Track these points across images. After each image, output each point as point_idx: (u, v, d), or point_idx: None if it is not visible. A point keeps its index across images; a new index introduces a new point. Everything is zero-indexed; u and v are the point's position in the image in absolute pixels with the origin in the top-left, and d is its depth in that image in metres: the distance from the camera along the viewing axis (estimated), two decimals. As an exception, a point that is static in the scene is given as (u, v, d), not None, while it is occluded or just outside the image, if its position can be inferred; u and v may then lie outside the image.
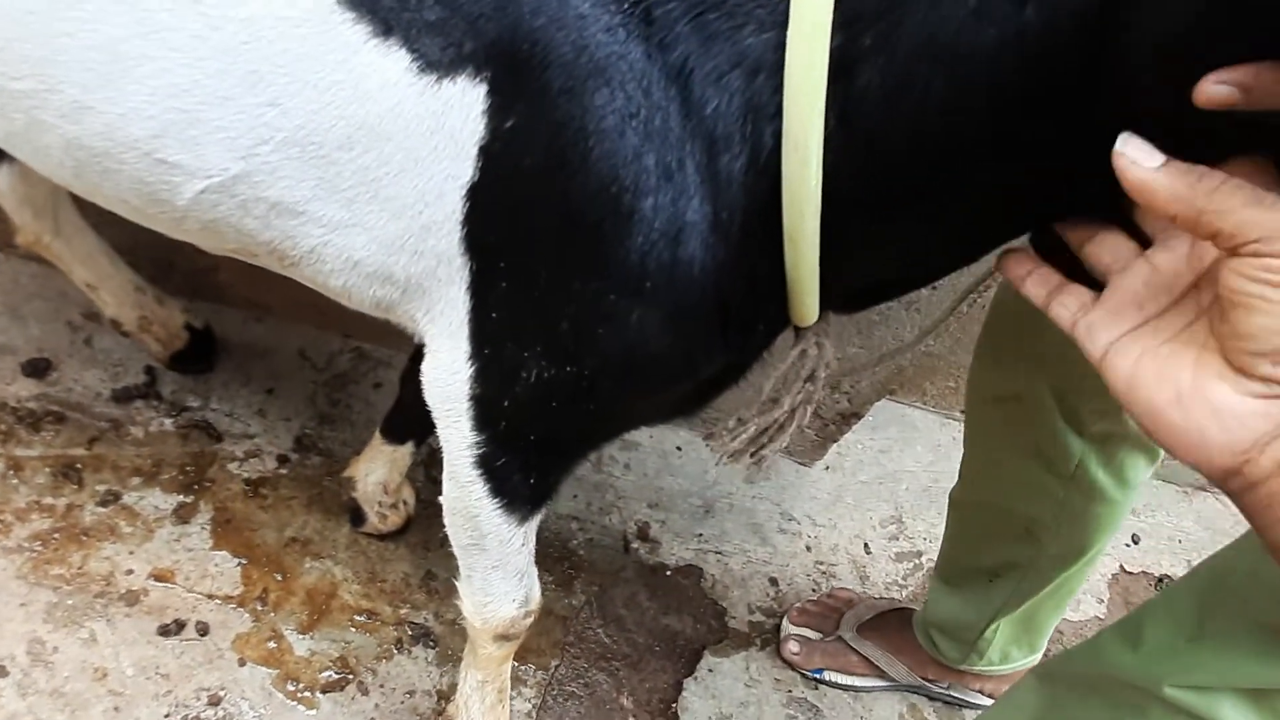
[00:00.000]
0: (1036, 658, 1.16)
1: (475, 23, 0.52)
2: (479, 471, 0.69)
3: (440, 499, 0.76)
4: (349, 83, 0.54)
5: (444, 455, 0.72)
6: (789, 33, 0.47)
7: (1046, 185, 0.48)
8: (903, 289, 0.63)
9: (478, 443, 0.68)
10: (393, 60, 0.53)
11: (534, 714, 1.11)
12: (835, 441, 1.46)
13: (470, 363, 0.64)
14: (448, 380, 0.65)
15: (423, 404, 0.70)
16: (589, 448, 0.74)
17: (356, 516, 1.18)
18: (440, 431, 0.70)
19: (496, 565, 0.78)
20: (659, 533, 1.35)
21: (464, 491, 0.71)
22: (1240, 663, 0.66)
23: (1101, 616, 1.43)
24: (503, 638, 0.86)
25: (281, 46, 0.54)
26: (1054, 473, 0.92)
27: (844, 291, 0.57)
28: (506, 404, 0.64)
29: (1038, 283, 0.51)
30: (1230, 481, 0.43)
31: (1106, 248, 0.49)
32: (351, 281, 0.64)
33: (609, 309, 0.56)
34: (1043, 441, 0.91)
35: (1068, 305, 0.49)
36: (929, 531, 1.46)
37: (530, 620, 0.86)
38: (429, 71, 0.53)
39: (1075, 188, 0.47)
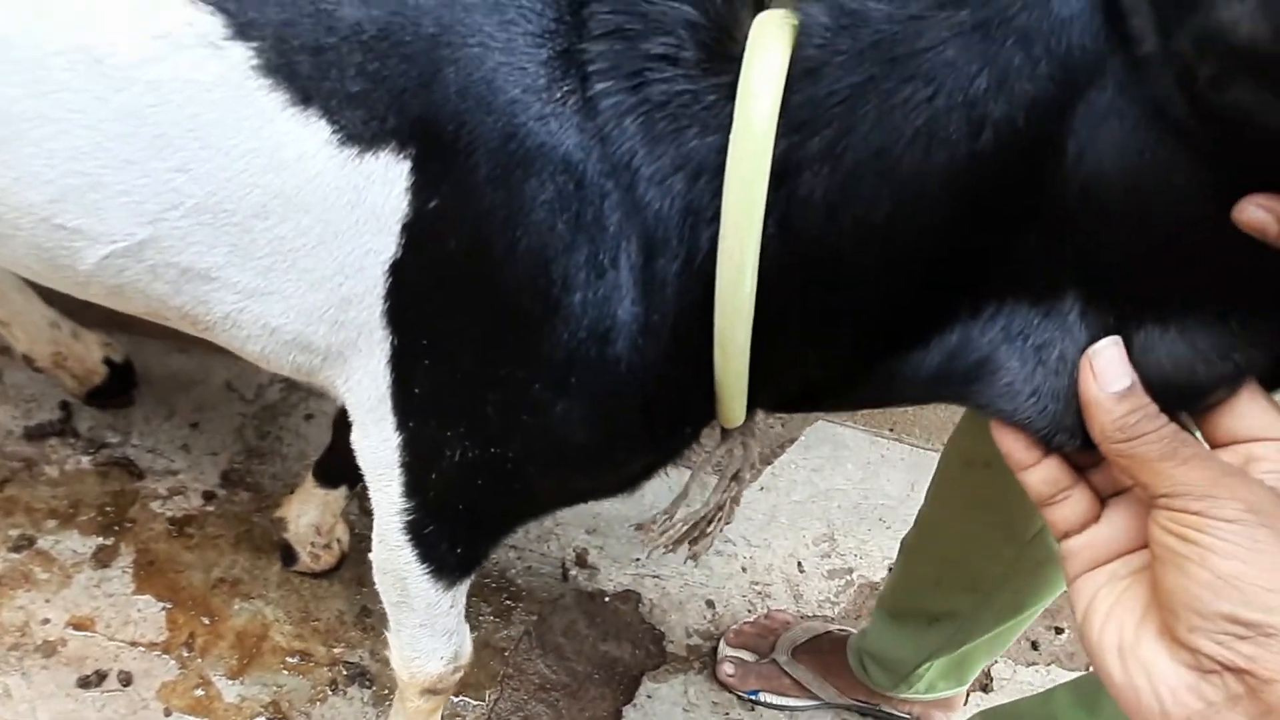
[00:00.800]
0: (963, 689, 1.20)
1: (399, 97, 0.51)
2: (407, 537, 0.69)
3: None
4: (264, 151, 0.53)
5: (375, 516, 0.71)
6: (731, 139, 0.45)
7: (991, 302, 0.46)
8: (834, 398, 0.59)
9: (406, 509, 0.67)
10: (311, 131, 0.52)
11: (473, 750, 1.11)
12: (770, 464, 1.49)
13: (398, 432, 0.63)
14: (378, 447, 0.65)
15: None
16: (517, 522, 0.74)
17: (288, 556, 1.16)
18: (371, 494, 0.70)
19: (424, 624, 0.77)
20: (597, 559, 1.35)
21: (392, 554, 0.71)
22: None
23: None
24: (430, 692, 0.85)
25: (191, 111, 0.52)
26: (1011, 538, 0.92)
27: (773, 396, 0.57)
28: (434, 476, 0.64)
29: (1044, 479, 0.45)
30: None
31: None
32: (269, 348, 0.63)
33: (533, 399, 0.55)
34: (1005, 509, 0.91)
35: (1067, 517, 0.45)
36: (859, 548, 1.50)
37: (459, 675, 0.85)
38: (350, 144, 0.52)
39: (1008, 311, 0.45)
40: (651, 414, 0.56)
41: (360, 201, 0.53)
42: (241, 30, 0.51)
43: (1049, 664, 1.45)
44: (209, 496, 1.21)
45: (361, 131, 0.52)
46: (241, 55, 0.51)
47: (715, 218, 0.47)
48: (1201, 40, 0.34)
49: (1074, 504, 0.45)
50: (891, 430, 1.64)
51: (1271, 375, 0.43)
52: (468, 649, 0.84)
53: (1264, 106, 0.34)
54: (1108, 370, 0.41)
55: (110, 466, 1.20)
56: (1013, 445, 0.46)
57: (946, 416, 1.60)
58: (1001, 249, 0.44)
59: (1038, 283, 0.44)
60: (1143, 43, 0.37)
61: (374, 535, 0.73)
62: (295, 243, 0.56)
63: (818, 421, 1.59)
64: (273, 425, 1.31)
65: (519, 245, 0.50)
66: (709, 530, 0.68)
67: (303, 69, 0.51)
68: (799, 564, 1.46)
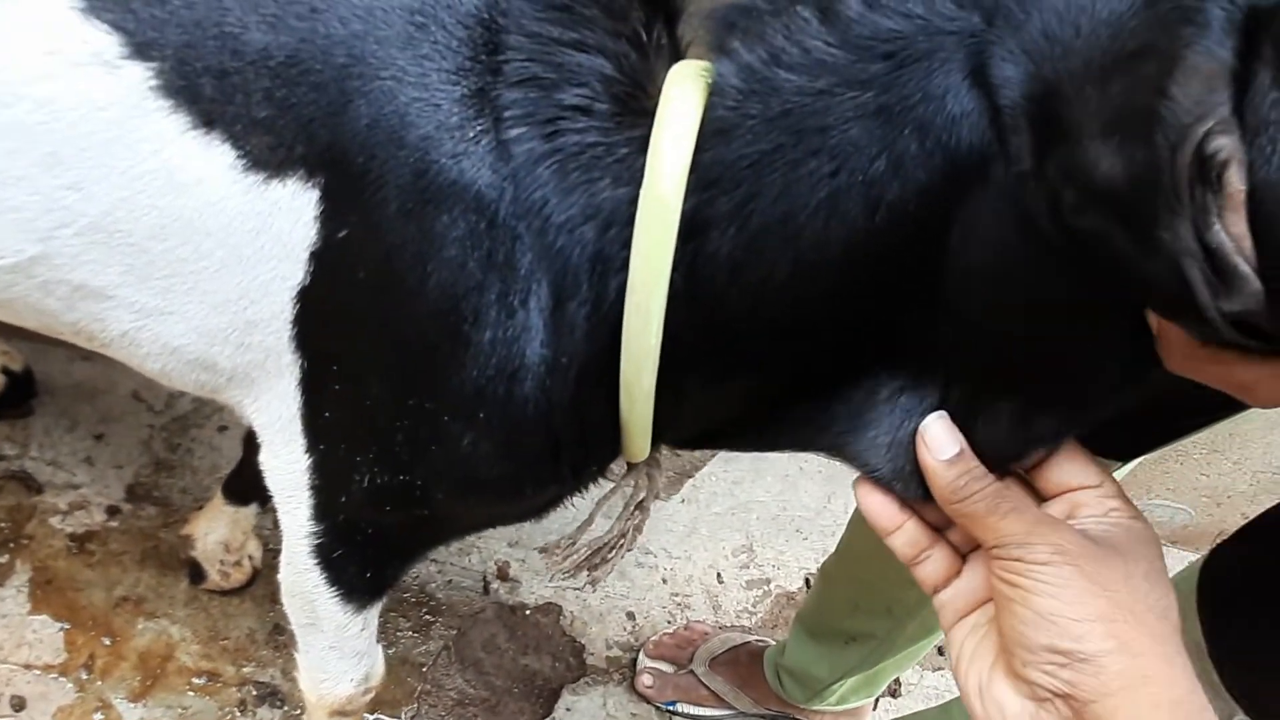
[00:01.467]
0: (871, 700, 1.25)
1: (308, 126, 0.50)
2: (316, 560, 0.68)
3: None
4: (162, 173, 0.52)
5: (284, 537, 0.71)
6: (641, 194, 0.46)
7: (875, 364, 0.49)
8: (732, 440, 0.61)
9: (315, 533, 0.67)
10: (214, 155, 0.51)
11: (388, 768, 1.10)
12: (691, 477, 1.51)
13: (307, 454, 0.62)
14: (287, 469, 0.64)
15: None
16: (427, 547, 0.74)
17: (196, 573, 1.13)
18: (280, 515, 0.69)
19: (334, 647, 0.76)
20: (519, 571, 1.35)
21: (301, 577, 0.70)
22: None
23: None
24: (340, 714, 0.84)
25: (85, 130, 0.51)
26: None
27: (676, 435, 0.58)
28: (343, 500, 0.63)
29: (906, 542, 0.50)
30: None
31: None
32: (170, 366, 0.61)
33: (441, 430, 0.55)
34: None
35: (931, 574, 0.49)
36: (777, 559, 1.54)
37: (370, 696, 0.85)
38: (256, 170, 0.51)
39: (900, 368, 0.49)
40: (558, 450, 0.57)
41: (266, 228, 0.53)
42: (140, 50, 0.50)
43: (956, 669, 1.51)
44: (113, 511, 1.17)
45: (268, 158, 0.51)
46: (139, 75, 0.50)
47: (624, 267, 0.48)
48: (1067, 170, 0.38)
49: (935, 562, 0.50)
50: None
51: (1127, 449, 0.47)
52: (379, 670, 0.84)
53: (1113, 234, 0.37)
54: (936, 441, 0.47)
55: (6, 480, 1.14)
56: (878, 512, 0.51)
57: (863, 430, 1.65)
58: (889, 321, 0.47)
59: (915, 354, 0.48)
60: (1019, 162, 0.40)
61: (282, 557, 0.72)
62: (196, 265, 0.55)
63: (739, 434, 1.62)
64: (183, 437, 1.27)
65: (429, 280, 0.50)
66: (610, 556, 0.69)
67: (205, 92, 0.50)
68: (718, 575, 1.49)
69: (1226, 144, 0.34)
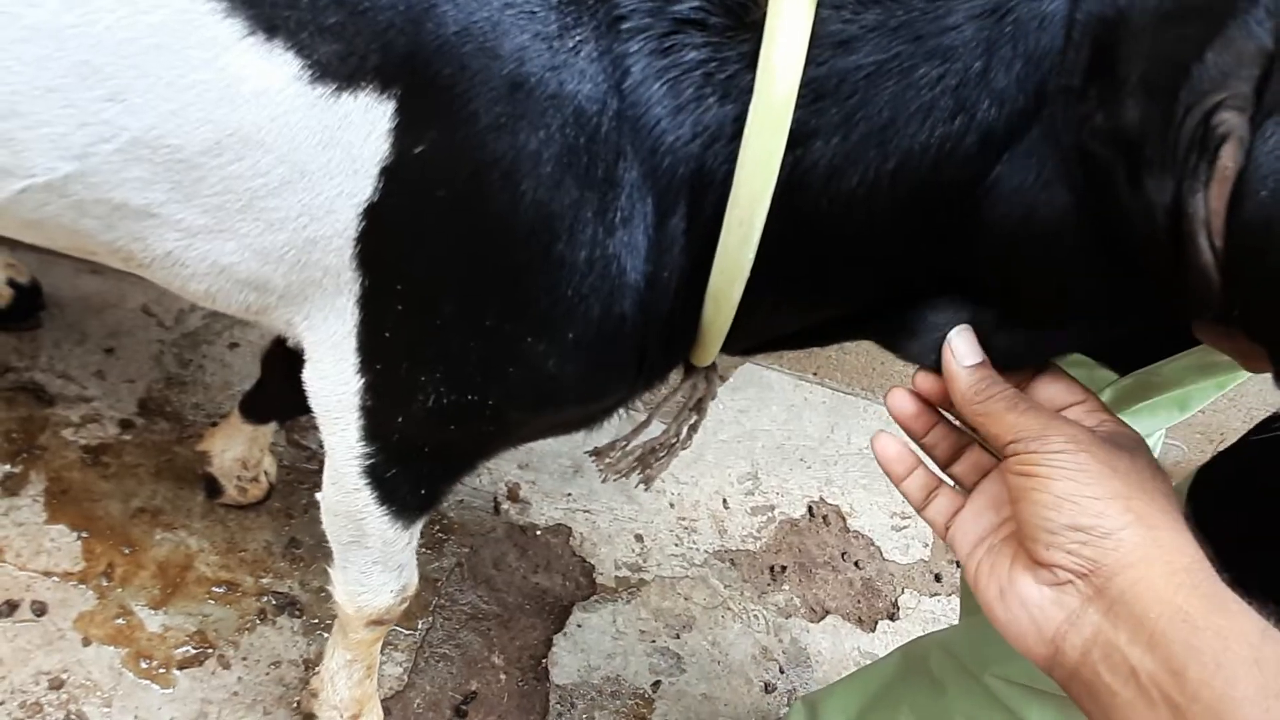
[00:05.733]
0: None
1: (384, 34, 0.47)
2: (366, 481, 0.66)
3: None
4: (217, 84, 0.48)
5: (327, 457, 0.69)
6: (750, 110, 0.46)
7: (935, 278, 0.51)
8: (798, 344, 0.63)
9: (367, 454, 0.65)
10: (276, 64, 0.48)
11: (405, 676, 1.12)
12: (699, 403, 1.52)
13: (360, 375, 0.60)
14: (335, 390, 0.62)
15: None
16: (484, 459, 0.73)
17: (213, 488, 1.13)
18: (324, 436, 0.67)
19: (378, 561, 0.76)
20: (529, 493, 1.37)
21: (349, 498, 0.68)
22: None
23: (925, 559, 1.59)
24: (376, 623, 0.84)
25: (124, 35, 0.47)
26: None
27: (741, 341, 0.58)
28: (401, 420, 0.61)
29: (916, 486, 0.55)
30: (1054, 672, 0.45)
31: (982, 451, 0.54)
32: (218, 286, 0.59)
33: (523, 352, 0.54)
34: None
35: (941, 510, 0.54)
36: (781, 486, 1.56)
37: (405, 605, 0.85)
38: (323, 81, 0.48)
39: (958, 288, 0.51)
40: (642, 362, 0.56)
41: (333, 142, 0.50)
42: None
43: (950, 594, 1.55)
44: (126, 425, 1.16)
45: (337, 68, 0.48)
46: None
47: (723, 181, 0.48)
48: (1104, 97, 0.40)
49: (942, 500, 0.54)
50: (815, 374, 1.69)
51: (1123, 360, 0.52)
52: (415, 579, 0.84)
53: (1115, 167, 0.40)
54: (960, 350, 0.51)
55: (16, 392, 1.13)
56: (892, 461, 0.56)
57: (866, 362, 1.67)
58: (940, 242, 0.49)
59: (951, 278, 0.50)
60: (1070, 75, 0.42)
61: (326, 477, 0.71)
62: (253, 182, 0.52)
63: (745, 364, 1.63)
64: (194, 353, 1.26)
65: (523, 199, 0.48)
66: (664, 457, 0.70)
67: None
68: (724, 500, 1.51)
69: (1231, 120, 0.36)
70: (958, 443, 0.55)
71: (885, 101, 0.45)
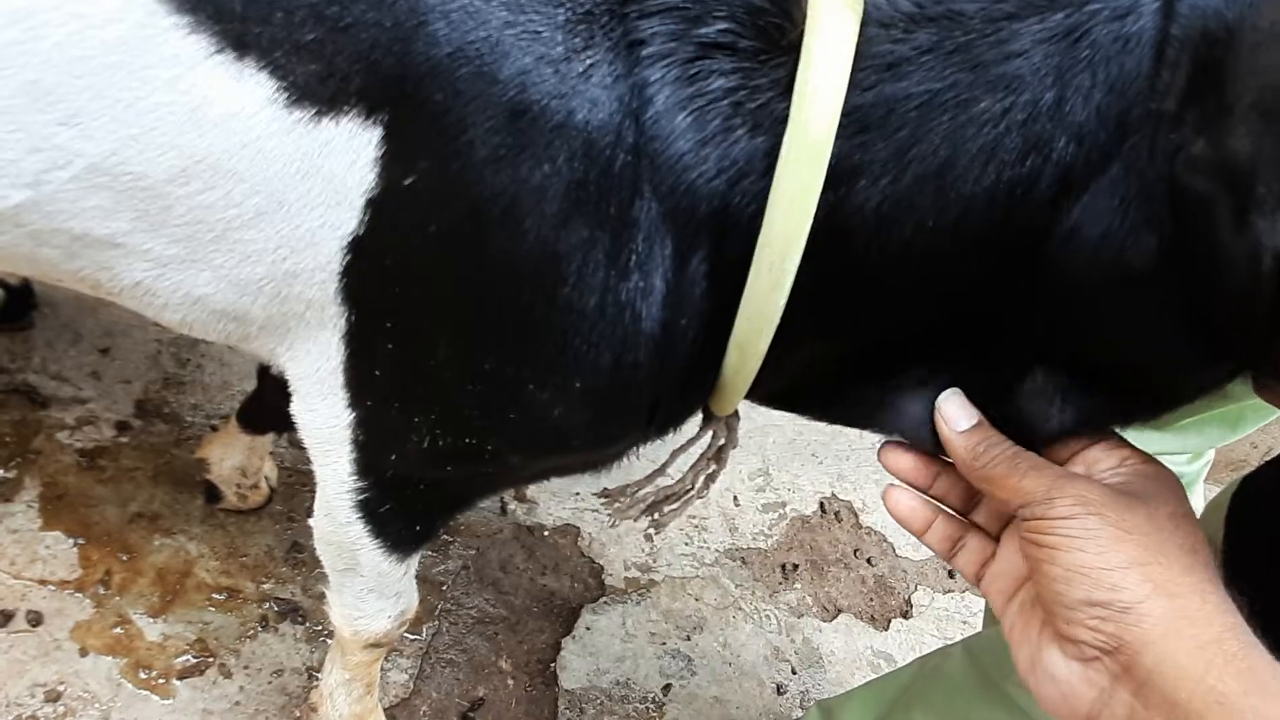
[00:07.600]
0: None
1: (368, 53, 0.42)
2: (359, 515, 0.63)
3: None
4: (181, 106, 0.44)
5: (319, 487, 0.65)
6: (785, 142, 0.41)
7: (978, 340, 0.47)
8: (801, 405, 0.58)
9: (359, 488, 0.61)
10: (248, 86, 0.43)
11: (411, 684, 1.09)
12: (709, 399, 1.49)
13: (350, 410, 0.56)
14: (325, 423, 0.58)
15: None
16: (485, 498, 0.69)
17: (212, 494, 1.10)
18: (315, 467, 0.63)
19: (374, 589, 0.72)
20: (536, 493, 1.34)
21: (341, 530, 0.64)
22: None
23: (942, 556, 1.56)
24: (374, 646, 0.81)
25: (75, 53, 0.42)
26: None
27: (765, 393, 0.54)
28: (394, 458, 0.58)
29: (939, 538, 0.52)
30: None
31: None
32: (194, 316, 0.54)
33: (525, 398, 0.49)
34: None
35: (970, 561, 0.51)
36: (792, 482, 1.53)
37: (404, 629, 0.81)
38: (301, 105, 0.44)
39: (1002, 355, 0.47)
40: (655, 410, 0.52)
41: (313, 171, 0.45)
42: None
43: (964, 591, 1.53)
44: (122, 427, 1.14)
45: (317, 90, 0.43)
46: None
47: (751, 221, 0.43)
48: (1207, 123, 0.36)
49: (970, 550, 0.51)
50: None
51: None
52: (414, 603, 0.81)
53: (1215, 202, 0.36)
54: (952, 415, 0.48)
55: (9, 394, 1.11)
56: (908, 517, 0.53)
57: (879, 356, 1.64)
58: (991, 300, 0.45)
59: (984, 341, 0.47)
60: (1163, 99, 0.38)
61: (317, 507, 0.68)
62: (225, 213, 0.47)
63: (755, 358, 1.60)
64: (192, 353, 1.23)
65: (525, 239, 0.44)
66: (677, 505, 0.66)
67: (234, 7, 0.42)
68: (735, 498, 1.48)
69: None
70: (970, 488, 0.52)
71: (941, 138, 0.40)
